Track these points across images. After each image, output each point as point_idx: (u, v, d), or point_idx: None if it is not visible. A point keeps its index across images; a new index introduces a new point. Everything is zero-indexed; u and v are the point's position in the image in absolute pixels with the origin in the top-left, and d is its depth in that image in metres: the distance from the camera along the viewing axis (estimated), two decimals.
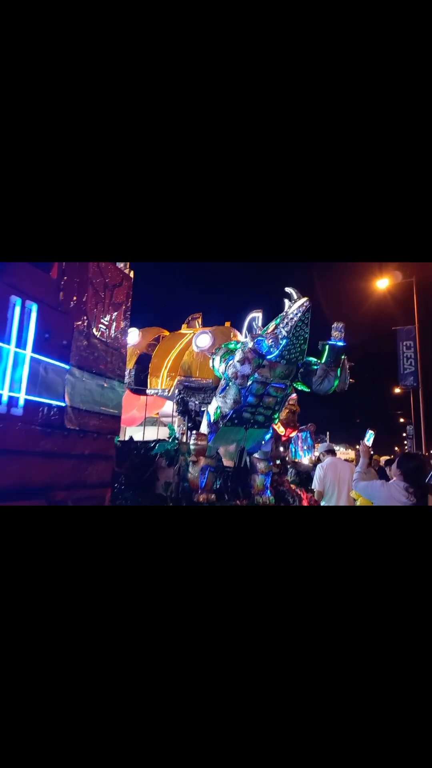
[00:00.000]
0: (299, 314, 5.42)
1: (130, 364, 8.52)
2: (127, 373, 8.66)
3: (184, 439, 7.74)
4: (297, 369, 6.30)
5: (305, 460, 10.75)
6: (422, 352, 17.48)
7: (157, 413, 10.23)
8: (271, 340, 5.61)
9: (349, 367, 6.41)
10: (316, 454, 10.41)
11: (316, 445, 11.23)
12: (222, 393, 6.32)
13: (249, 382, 6.08)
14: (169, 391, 8.03)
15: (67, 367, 3.43)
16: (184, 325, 9.63)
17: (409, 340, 17.88)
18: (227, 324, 8.94)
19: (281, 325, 5.62)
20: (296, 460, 10.31)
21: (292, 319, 5.49)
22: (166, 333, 9.34)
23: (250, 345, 5.67)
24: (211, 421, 6.61)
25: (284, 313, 5.63)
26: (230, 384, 6.08)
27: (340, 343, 5.87)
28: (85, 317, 3.72)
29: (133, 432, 9.89)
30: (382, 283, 18.17)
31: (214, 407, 6.59)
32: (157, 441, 7.21)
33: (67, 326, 3.50)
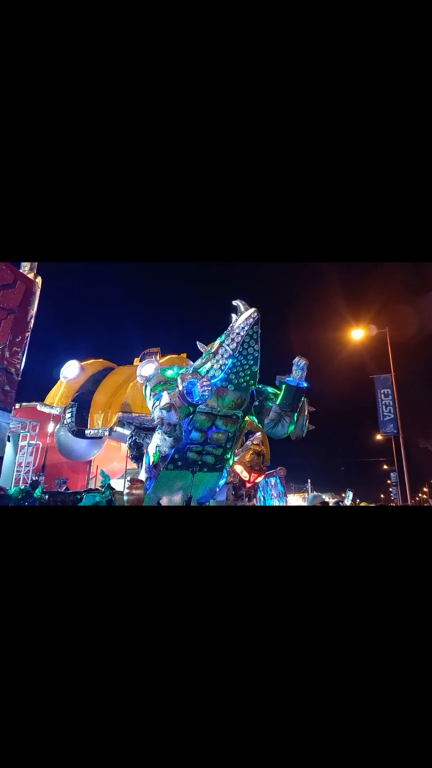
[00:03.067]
0: (246, 328, 4.46)
1: (65, 401, 7.34)
2: (64, 411, 7.46)
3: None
4: (251, 397, 5.28)
5: None
6: (400, 400, 17.79)
7: None
8: (204, 389, 4.53)
9: (310, 412, 5.39)
10: (292, 502, 9.12)
11: (291, 493, 9.95)
12: (161, 428, 5.18)
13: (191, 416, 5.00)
14: (109, 431, 6.82)
15: None
16: (136, 360, 8.61)
17: (386, 388, 18.08)
18: (183, 355, 7.97)
19: (226, 342, 4.64)
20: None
21: (238, 334, 4.53)
22: (113, 366, 8.29)
23: (180, 388, 4.62)
24: (150, 464, 5.41)
25: (229, 328, 4.68)
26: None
27: (302, 385, 4.88)
28: None
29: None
30: (357, 333, 18.81)
31: (153, 446, 5.42)
32: (86, 491, 5.90)
33: None
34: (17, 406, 8.58)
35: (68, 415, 7.61)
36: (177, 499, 5.55)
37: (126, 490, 5.45)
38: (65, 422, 7.72)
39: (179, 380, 4.69)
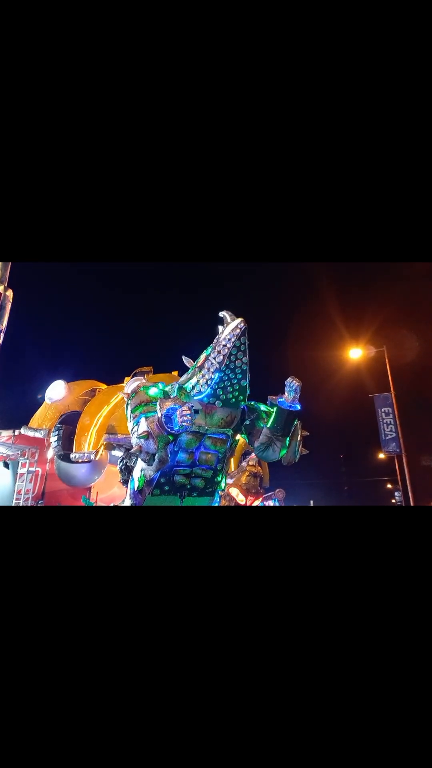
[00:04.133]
0: (233, 339, 4.14)
1: (50, 423, 6.99)
2: (48, 434, 7.09)
3: None
4: (242, 414, 4.92)
5: None
6: (401, 418, 17.76)
7: None
8: (184, 418, 4.17)
9: (303, 436, 4.96)
10: None
11: None
12: (140, 455, 4.76)
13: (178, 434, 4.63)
14: (96, 454, 6.43)
15: None
16: (127, 379, 8.28)
17: (387, 407, 18.02)
18: (174, 373, 7.65)
19: (212, 355, 4.32)
20: None
21: (224, 346, 4.21)
22: (102, 387, 7.95)
23: (159, 414, 4.24)
24: (135, 489, 5.01)
25: (215, 341, 4.37)
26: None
27: (294, 407, 4.48)
28: None
29: None
30: (355, 353, 18.89)
31: (138, 470, 5.02)
32: None
33: None
34: (15, 432, 8.27)
35: (54, 439, 7.25)
36: None
37: None
38: (52, 446, 7.36)
39: (158, 406, 4.32)
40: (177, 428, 4.12)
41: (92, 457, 6.43)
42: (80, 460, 6.76)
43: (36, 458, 9.59)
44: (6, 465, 10.05)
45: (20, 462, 9.87)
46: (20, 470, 9.89)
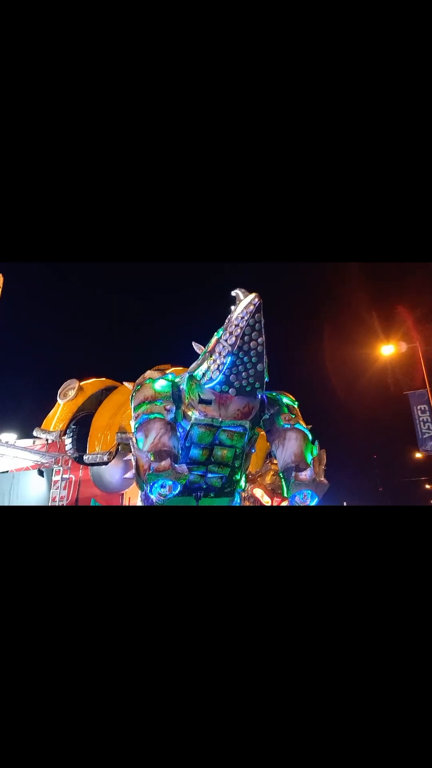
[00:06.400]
0: (246, 317, 3.65)
1: (62, 425, 6.67)
2: (60, 436, 6.79)
3: None
4: (261, 405, 4.42)
5: None
6: None
7: None
8: (159, 498, 3.91)
9: (322, 455, 4.56)
10: None
11: None
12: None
13: (187, 426, 4.17)
14: (109, 455, 6.07)
15: None
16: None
17: (423, 404, 17.25)
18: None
19: (223, 337, 3.85)
20: None
21: (237, 326, 3.72)
22: (117, 385, 7.61)
23: (164, 416, 4.04)
24: (147, 491, 4.58)
25: (227, 321, 3.90)
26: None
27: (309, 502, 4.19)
28: None
29: None
30: (387, 349, 18.39)
31: None
32: None
33: None
34: (47, 440, 8.30)
35: (68, 441, 6.95)
36: None
37: None
38: (66, 449, 7.07)
39: (162, 407, 4.04)
40: (153, 497, 3.87)
41: (105, 458, 6.07)
42: (94, 462, 6.41)
43: (69, 465, 10.19)
44: (41, 473, 10.69)
45: (54, 470, 10.51)
46: (54, 477, 10.58)
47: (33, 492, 11.11)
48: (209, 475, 4.46)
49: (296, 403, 4.98)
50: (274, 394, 4.85)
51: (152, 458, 3.72)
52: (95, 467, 8.35)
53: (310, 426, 4.66)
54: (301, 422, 4.62)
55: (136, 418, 4.13)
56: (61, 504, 10.25)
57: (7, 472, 10.96)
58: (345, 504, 21.62)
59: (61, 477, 10.40)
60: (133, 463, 3.97)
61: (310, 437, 4.50)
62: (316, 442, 4.48)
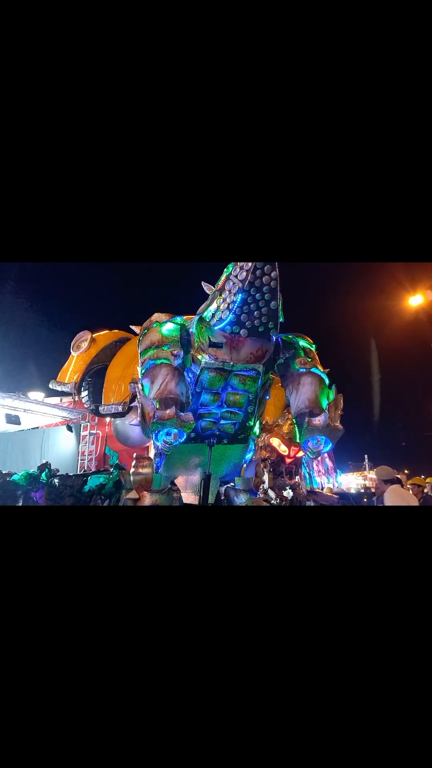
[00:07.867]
0: None
1: (77, 376, 6.62)
2: (75, 387, 6.76)
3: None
4: (276, 348, 4.19)
5: (325, 489, 8.23)
6: None
7: None
8: (166, 446, 3.70)
9: (339, 400, 4.28)
10: (347, 482, 8.02)
11: (349, 472, 8.77)
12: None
13: (197, 371, 3.99)
14: (123, 406, 6.02)
15: None
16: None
17: None
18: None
19: (234, 273, 3.56)
20: (315, 489, 7.81)
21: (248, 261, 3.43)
22: (131, 336, 7.45)
23: (172, 361, 3.83)
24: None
25: None
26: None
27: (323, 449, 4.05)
28: None
29: None
30: (416, 300, 17.51)
31: None
32: (92, 473, 5.15)
33: None
34: (74, 397, 8.56)
35: (84, 393, 6.93)
36: (195, 478, 4.62)
37: (132, 470, 4.61)
38: (83, 400, 7.07)
39: (169, 353, 3.83)
40: (158, 444, 3.69)
41: (120, 408, 6.03)
42: (108, 413, 6.39)
43: (96, 421, 10.80)
44: (70, 428, 11.36)
45: (82, 425, 11.23)
46: (83, 433, 11.28)
47: (62, 447, 11.74)
48: (222, 422, 4.33)
49: (314, 346, 4.71)
50: (290, 336, 4.58)
51: (157, 406, 3.58)
52: (116, 423, 8.48)
53: (327, 370, 4.41)
54: (318, 366, 4.37)
55: (142, 363, 3.98)
56: (90, 458, 10.85)
57: (37, 428, 11.48)
58: (366, 457, 21.53)
59: (89, 432, 11.06)
60: (138, 411, 3.86)
61: (327, 381, 4.26)
62: (333, 387, 4.25)
